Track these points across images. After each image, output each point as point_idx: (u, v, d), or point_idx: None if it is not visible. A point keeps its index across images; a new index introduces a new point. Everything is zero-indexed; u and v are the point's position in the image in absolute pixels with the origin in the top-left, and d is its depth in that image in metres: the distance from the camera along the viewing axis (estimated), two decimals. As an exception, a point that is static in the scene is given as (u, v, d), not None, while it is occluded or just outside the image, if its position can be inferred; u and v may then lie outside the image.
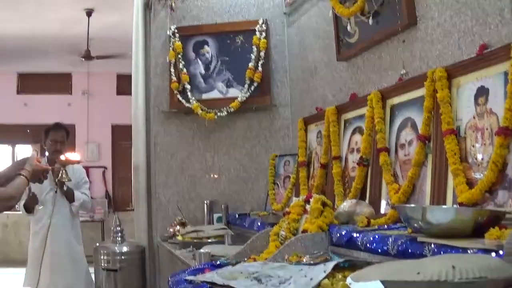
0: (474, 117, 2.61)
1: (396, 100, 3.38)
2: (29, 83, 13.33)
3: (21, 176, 3.14)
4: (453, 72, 2.78)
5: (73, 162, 4.47)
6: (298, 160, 4.63)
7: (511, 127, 2.28)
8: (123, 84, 12.58)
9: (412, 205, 2.80)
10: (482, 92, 2.57)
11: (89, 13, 9.32)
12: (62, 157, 4.21)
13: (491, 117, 2.49)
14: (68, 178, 4.28)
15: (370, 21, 3.67)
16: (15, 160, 9.24)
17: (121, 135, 13.08)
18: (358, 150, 3.70)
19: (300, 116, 4.83)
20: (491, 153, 2.40)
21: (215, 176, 5.42)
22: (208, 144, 5.46)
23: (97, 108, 13.30)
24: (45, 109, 12.45)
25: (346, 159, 3.90)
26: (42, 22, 9.57)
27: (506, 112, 2.29)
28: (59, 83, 13.47)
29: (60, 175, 4.17)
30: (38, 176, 3.41)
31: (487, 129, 2.51)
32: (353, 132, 3.88)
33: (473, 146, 2.60)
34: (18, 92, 13.38)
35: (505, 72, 2.38)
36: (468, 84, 2.68)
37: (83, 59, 10.69)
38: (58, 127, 5.64)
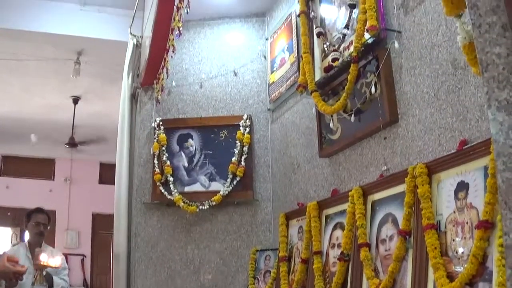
0: (454, 212, 2.65)
1: (377, 196, 3.42)
2: (12, 166, 13.34)
3: None
4: (433, 167, 2.84)
5: (52, 267, 4.44)
6: (279, 255, 4.60)
7: (491, 220, 2.31)
8: (106, 173, 12.64)
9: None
10: (462, 187, 2.62)
11: (75, 100, 9.47)
12: (44, 257, 4.16)
13: (471, 211, 2.52)
14: (43, 282, 4.23)
15: (352, 118, 3.76)
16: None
17: (101, 224, 13.02)
18: (339, 246, 3.70)
19: (281, 211, 4.85)
20: (471, 247, 2.42)
21: (195, 268, 5.34)
22: (189, 237, 5.41)
23: (78, 196, 13.28)
24: (26, 193, 12.42)
25: (327, 254, 3.89)
26: (29, 106, 9.68)
27: (486, 206, 2.33)
28: (42, 168, 13.49)
29: (35, 277, 4.12)
30: (8, 277, 3.29)
31: (467, 223, 2.54)
32: (334, 228, 3.89)
33: (454, 240, 2.62)
34: (1, 174, 13.35)
35: (485, 167, 2.44)
36: (448, 179, 2.73)
37: (67, 146, 10.75)
38: (41, 211, 5.63)
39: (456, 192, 2.66)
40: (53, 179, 13.64)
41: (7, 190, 12.99)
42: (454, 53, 2.86)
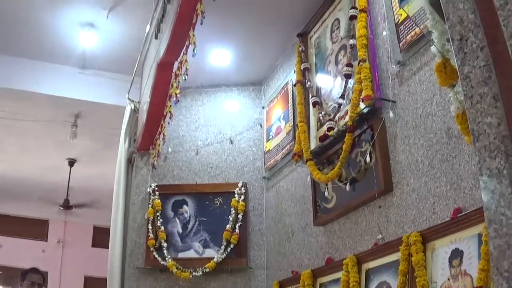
0: (448, 279, 2.65)
1: (371, 264, 3.41)
2: (6, 225, 13.19)
3: None
4: (428, 236, 2.86)
5: None
6: (271, 324, 4.54)
7: (485, 287, 2.31)
8: (99, 237, 12.53)
9: None
10: (456, 255, 2.63)
11: (71, 163, 9.46)
12: None
13: (466, 278, 2.52)
14: None
15: (347, 187, 3.79)
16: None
17: (93, 287, 12.76)
18: (333, 314, 3.67)
19: (275, 279, 4.81)
20: (466, 314, 2.41)
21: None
22: (181, 303, 5.35)
23: (71, 258, 13.11)
24: (19, 252, 12.27)
25: (321, 323, 3.85)
26: (25, 166, 9.66)
27: (480, 273, 2.33)
28: (35, 228, 13.36)
29: None
30: None
31: (461, 290, 2.54)
32: (329, 296, 3.86)
33: (448, 308, 2.61)
34: (-6, 233, 13.22)
35: (479, 234, 2.45)
36: (443, 247, 2.74)
37: (61, 208, 10.69)
38: (36, 271, 5.59)
39: (450, 259, 2.67)
40: (46, 240, 13.51)
41: (0, 249, 12.85)
42: (448, 122, 2.91)
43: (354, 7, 3.92)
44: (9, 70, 6.34)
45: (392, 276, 3.13)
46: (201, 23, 3.89)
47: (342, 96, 3.96)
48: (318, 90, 4.51)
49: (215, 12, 4.21)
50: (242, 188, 5.54)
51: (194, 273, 5.22)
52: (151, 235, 5.39)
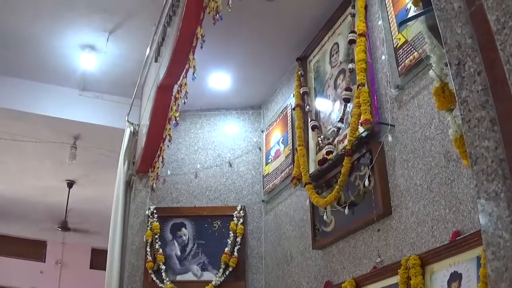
0: (447, 302, 2.64)
1: (370, 287, 3.39)
2: (4, 245, 13.10)
3: None
4: (426, 259, 2.86)
5: None
6: None
7: (484, 310, 2.31)
8: (97, 259, 12.46)
9: None
10: (455, 277, 2.63)
11: (70, 184, 9.44)
12: None
13: (464, 301, 2.52)
14: None
15: (346, 211, 3.79)
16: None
17: (91, 309, 12.69)
18: None
19: (274, 302, 4.79)
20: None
21: None
22: (179, 327, 5.31)
23: (69, 280, 13.00)
24: (17, 273, 12.19)
25: None
26: (23, 187, 9.64)
27: (478, 296, 2.33)
28: (33, 249, 13.28)
29: None
30: None
31: (460, 314, 2.53)
32: (327, 320, 3.84)
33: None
34: (-8, 253, 13.14)
35: (478, 257, 2.45)
36: (441, 270, 2.74)
37: (60, 229, 10.66)
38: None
39: (449, 282, 2.67)
40: (44, 261, 13.42)
41: (-2, 269, 12.80)
42: (446, 146, 2.92)
43: (353, 31, 3.96)
44: (9, 90, 6.36)
45: (391, 300, 3.12)
46: (201, 47, 3.92)
47: (341, 120, 3.98)
48: (317, 114, 4.53)
49: (215, 36, 4.25)
50: (241, 211, 5.54)
51: (192, 296, 5.20)
52: (150, 258, 5.38)
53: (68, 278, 13.12)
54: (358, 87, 3.68)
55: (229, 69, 5.44)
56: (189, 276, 5.39)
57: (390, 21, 3.60)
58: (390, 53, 3.56)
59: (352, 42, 3.95)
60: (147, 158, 5.57)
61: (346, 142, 3.78)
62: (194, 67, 4.08)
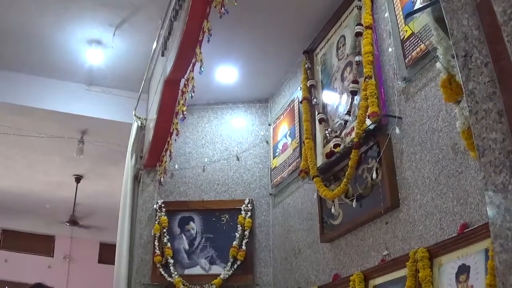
0: (455, 295, 2.64)
1: (378, 280, 3.40)
2: (12, 240, 13.18)
3: None
4: (435, 251, 2.85)
5: None
6: None
7: (492, 302, 2.31)
8: (105, 253, 12.51)
9: None
10: (463, 270, 2.62)
11: (78, 179, 9.48)
12: None
13: (472, 293, 2.51)
14: None
15: (354, 203, 3.78)
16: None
17: (100, 304, 12.74)
18: (340, 331, 3.65)
19: (282, 296, 4.79)
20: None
21: None
22: (188, 320, 5.33)
23: (77, 274, 13.06)
24: (25, 267, 12.26)
25: None
26: (31, 183, 9.69)
27: (487, 288, 2.33)
28: (41, 244, 13.34)
29: None
30: None
31: (468, 306, 2.53)
32: (336, 313, 3.85)
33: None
34: (0, 248, 13.18)
35: (486, 249, 2.45)
36: (449, 263, 2.74)
37: (68, 224, 10.71)
38: (42, 286, 5.55)
39: (457, 275, 2.66)
40: (53, 256, 13.49)
41: (6, 264, 12.81)
42: (454, 138, 2.91)
43: (359, 24, 3.94)
44: (16, 86, 6.39)
45: (399, 292, 3.12)
46: (208, 41, 3.92)
47: (348, 113, 3.97)
48: (324, 107, 4.52)
49: (221, 29, 4.24)
50: (249, 205, 5.55)
51: (200, 290, 5.22)
52: (158, 252, 5.39)
53: (76, 272, 13.19)
54: (365, 80, 3.67)
55: (236, 62, 5.44)
56: (197, 270, 5.40)
57: (397, 13, 3.58)
58: (397, 45, 3.55)
59: (358, 34, 3.94)
60: (154, 152, 5.58)
61: (353, 134, 3.77)
62: (201, 61, 4.07)
